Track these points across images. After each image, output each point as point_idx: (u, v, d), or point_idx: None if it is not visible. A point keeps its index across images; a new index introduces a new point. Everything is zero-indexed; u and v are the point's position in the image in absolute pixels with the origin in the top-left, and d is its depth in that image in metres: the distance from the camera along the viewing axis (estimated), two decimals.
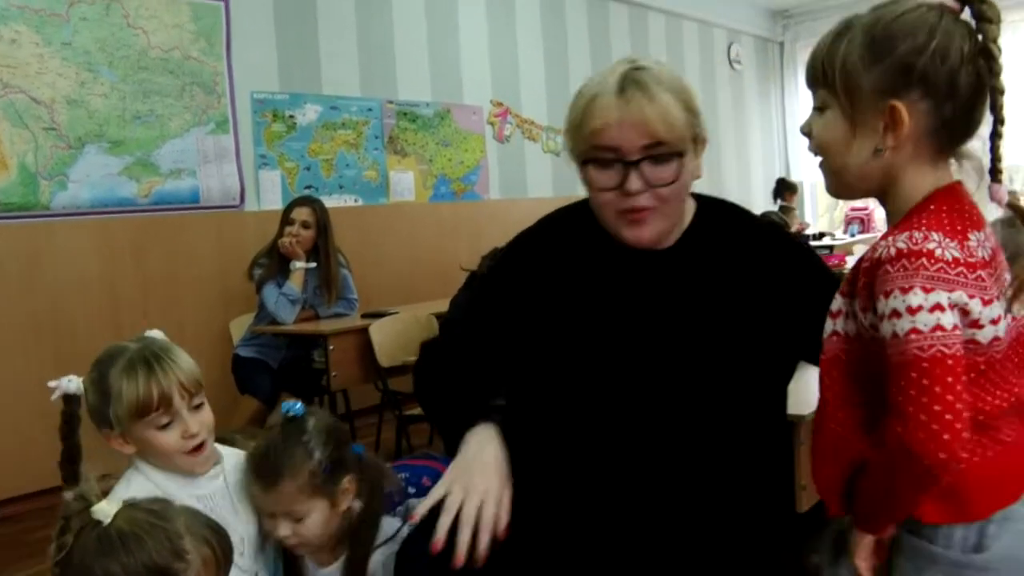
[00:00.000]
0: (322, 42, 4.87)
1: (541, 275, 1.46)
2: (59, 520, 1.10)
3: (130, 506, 1.13)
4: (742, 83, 8.47)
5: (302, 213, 3.90)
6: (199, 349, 3.07)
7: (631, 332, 1.39)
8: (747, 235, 1.49)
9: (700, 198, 1.50)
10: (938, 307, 1.03)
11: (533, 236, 1.54)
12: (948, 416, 1.01)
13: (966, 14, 1.12)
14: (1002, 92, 1.09)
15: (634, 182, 1.34)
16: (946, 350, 1.03)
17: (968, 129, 1.13)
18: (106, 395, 1.38)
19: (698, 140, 1.39)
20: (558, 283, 1.44)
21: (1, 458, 3.50)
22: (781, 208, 7.63)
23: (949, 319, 1.03)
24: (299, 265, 3.82)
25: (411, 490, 1.69)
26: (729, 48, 8.28)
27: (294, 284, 3.80)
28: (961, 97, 1.10)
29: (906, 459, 1.04)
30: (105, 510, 1.10)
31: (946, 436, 1.01)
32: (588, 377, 1.38)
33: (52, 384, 1.35)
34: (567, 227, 1.50)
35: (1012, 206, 1.12)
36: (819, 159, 1.21)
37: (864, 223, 7.60)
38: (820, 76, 1.16)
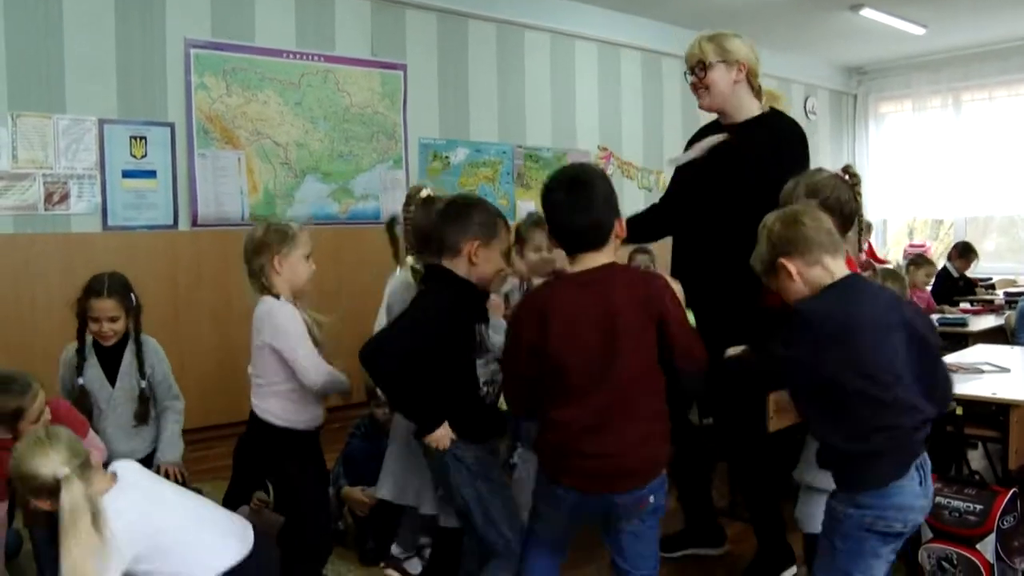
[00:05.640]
0: (471, 101, 6.36)
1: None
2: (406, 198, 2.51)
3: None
4: (817, 132, 9.60)
5: None
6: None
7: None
8: (761, 131, 2.86)
9: (770, 114, 2.94)
10: None
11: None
12: None
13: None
14: (862, 216, 2.49)
15: (692, 79, 2.93)
16: None
17: (848, 227, 2.48)
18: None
19: (727, 61, 2.84)
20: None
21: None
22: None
23: None
24: None
25: None
26: (805, 101, 9.44)
27: None
28: (845, 215, 2.43)
29: None
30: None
31: None
32: None
33: None
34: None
35: (864, 267, 2.51)
36: None
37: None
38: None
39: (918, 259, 6.27)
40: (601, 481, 2.01)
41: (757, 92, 2.94)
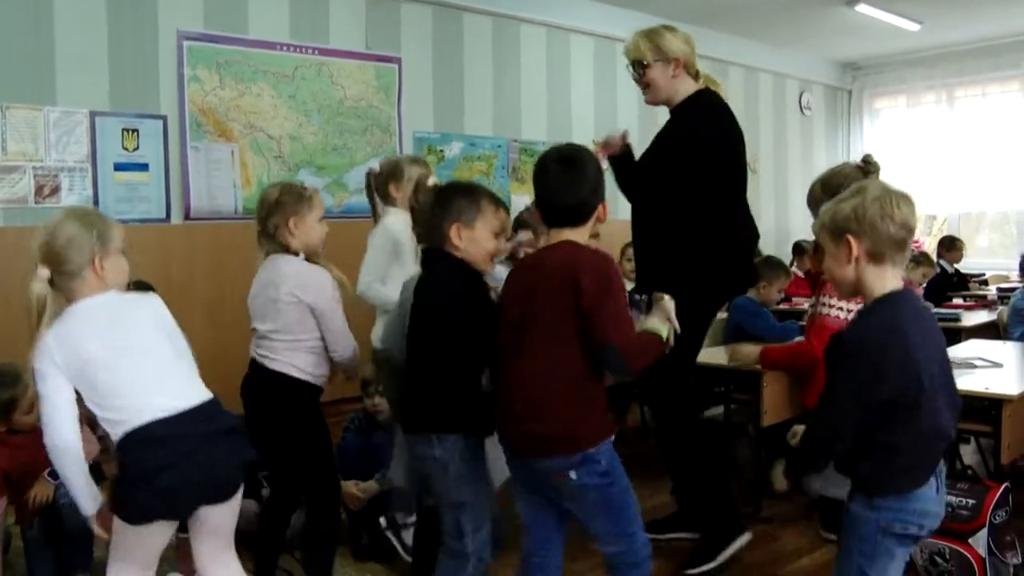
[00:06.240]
0: (466, 95, 6.35)
1: None
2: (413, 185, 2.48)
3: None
4: (811, 127, 9.61)
5: None
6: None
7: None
8: (686, 113, 3.03)
9: (702, 91, 3.06)
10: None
11: None
12: None
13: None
14: None
15: (634, 75, 3.07)
16: None
17: None
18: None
19: (664, 60, 2.99)
20: None
21: None
22: None
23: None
24: None
25: None
26: (800, 96, 9.44)
27: None
28: None
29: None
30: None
31: None
32: None
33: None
34: None
35: None
36: None
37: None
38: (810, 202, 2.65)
39: (919, 258, 6.26)
40: (518, 444, 2.11)
41: (695, 76, 3.10)
